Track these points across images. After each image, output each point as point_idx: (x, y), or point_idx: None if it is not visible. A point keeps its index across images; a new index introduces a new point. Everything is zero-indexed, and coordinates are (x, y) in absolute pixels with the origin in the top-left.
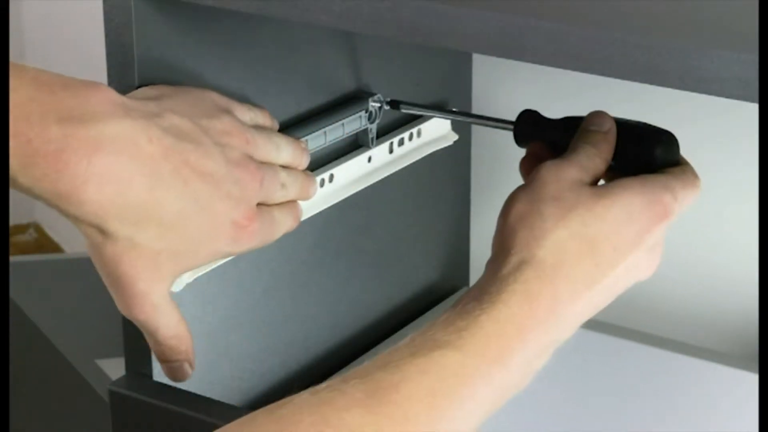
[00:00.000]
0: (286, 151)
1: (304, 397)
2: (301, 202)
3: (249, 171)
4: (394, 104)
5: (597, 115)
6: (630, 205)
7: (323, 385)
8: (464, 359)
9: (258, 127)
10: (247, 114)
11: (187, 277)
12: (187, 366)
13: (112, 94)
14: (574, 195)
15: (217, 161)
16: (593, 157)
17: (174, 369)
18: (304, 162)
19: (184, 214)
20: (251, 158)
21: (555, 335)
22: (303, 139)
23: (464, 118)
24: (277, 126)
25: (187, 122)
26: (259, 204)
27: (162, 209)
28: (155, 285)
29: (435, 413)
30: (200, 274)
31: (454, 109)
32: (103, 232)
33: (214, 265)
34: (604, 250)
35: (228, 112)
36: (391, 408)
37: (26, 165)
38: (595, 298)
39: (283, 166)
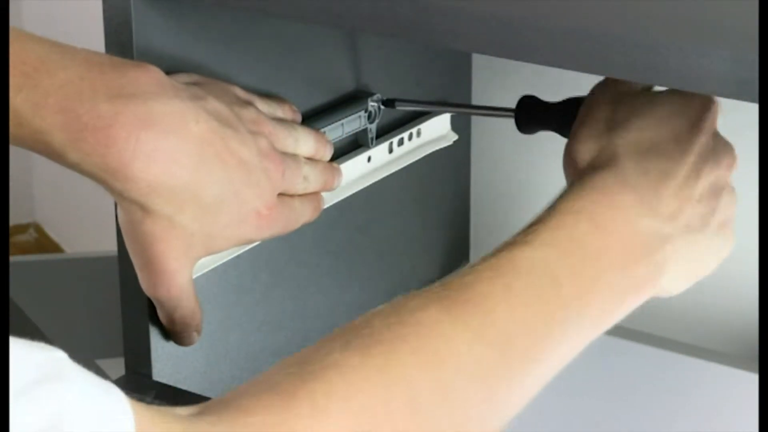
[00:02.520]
0: (308, 143)
1: (379, 307)
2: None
3: (274, 161)
4: (390, 103)
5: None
6: (672, 100)
7: (398, 296)
8: (533, 251)
9: (279, 120)
10: (267, 107)
11: (206, 264)
12: (195, 335)
13: (161, 75)
14: (617, 109)
15: (251, 149)
16: (622, 83)
17: (182, 338)
18: (327, 153)
19: (220, 198)
20: (275, 149)
21: (640, 221)
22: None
23: (463, 110)
24: (299, 118)
25: (226, 108)
26: (280, 194)
27: (202, 191)
28: (184, 266)
29: (513, 307)
30: (220, 262)
31: (451, 102)
32: (144, 209)
33: (232, 255)
34: (666, 145)
35: (251, 103)
36: (467, 306)
37: (75, 140)
38: (682, 189)
39: (307, 158)
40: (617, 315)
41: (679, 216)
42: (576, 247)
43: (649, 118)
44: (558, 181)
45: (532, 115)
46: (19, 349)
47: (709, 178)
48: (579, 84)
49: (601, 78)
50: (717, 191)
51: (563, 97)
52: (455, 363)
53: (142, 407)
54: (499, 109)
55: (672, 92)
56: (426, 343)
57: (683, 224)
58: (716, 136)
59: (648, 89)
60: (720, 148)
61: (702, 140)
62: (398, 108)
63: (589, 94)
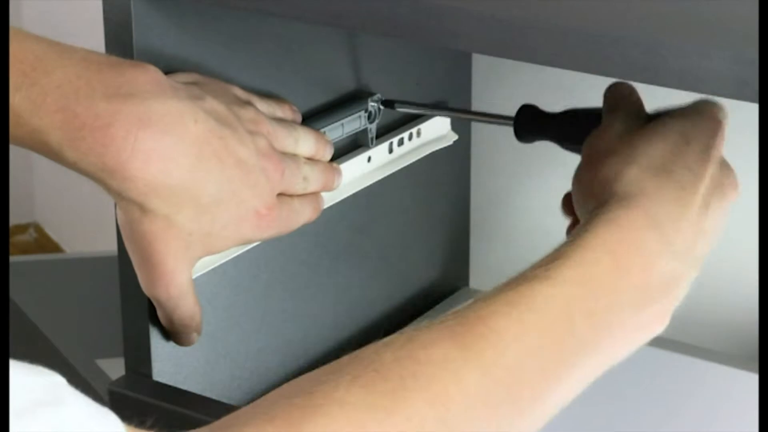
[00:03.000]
0: (307, 144)
1: (388, 338)
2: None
3: (273, 162)
4: (389, 104)
5: (612, 88)
6: (683, 126)
7: (409, 327)
8: (552, 288)
9: (278, 120)
10: (267, 107)
11: (206, 264)
12: (195, 335)
13: (159, 74)
14: (628, 138)
15: (250, 149)
16: (631, 111)
17: (182, 338)
18: (327, 154)
19: (218, 198)
20: (274, 149)
21: (660, 262)
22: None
23: (463, 115)
24: (299, 118)
25: (224, 108)
26: (280, 194)
27: (200, 191)
28: (183, 265)
29: (526, 345)
30: (220, 262)
31: (451, 107)
32: (143, 208)
33: (232, 255)
34: (680, 173)
35: (250, 103)
36: (479, 341)
37: (73, 139)
38: (696, 222)
39: (307, 159)
40: (626, 353)
41: (692, 251)
42: (595, 287)
43: (662, 143)
44: (557, 181)
45: (530, 124)
46: (17, 372)
47: (716, 212)
48: (579, 84)
49: (599, 78)
50: (720, 223)
51: (563, 97)
52: (464, 402)
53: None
54: (498, 116)
55: (681, 116)
56: (436, 381)
57: (692, 259)
58: (723, 164)
59: (656, 114)
60: (725, 179)
61: (712, 169)
62: (396, 108)
63: (603, 124)
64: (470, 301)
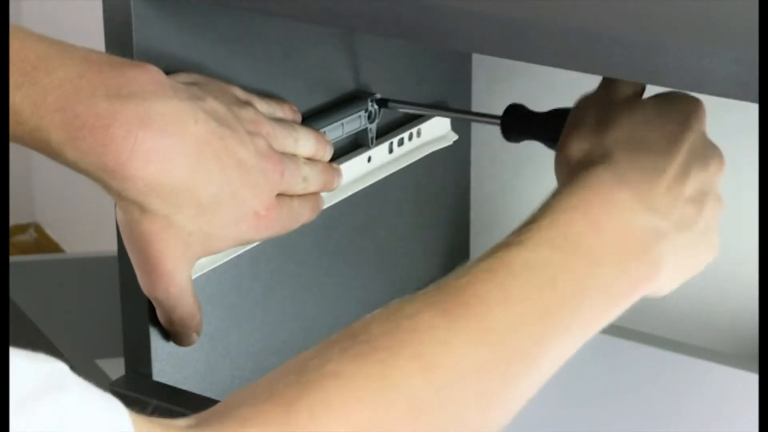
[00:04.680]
0: (307, 144)
1: (375, 312)
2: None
3: (272, 162)
4: (383, 103)
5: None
6: (660, 102)
7: (394, 300)
8: (530, 253)
9: (278, 120)
10: (267, 107)
11: (206, 264)
12: (194, 336)
13: (160, 75)
14: (604, 112)
15: (249, 150)
16: (617, 85)
17: (182, 338)
18: (327, 154)
19: (217, 198)
20: (274, 150)
21: (635, 218)
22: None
23: (452, 114)
24: (299, 118)
25: (224, 108)
26: (279, 194)
27: (200, 191)
28: (182, 265)
29: (511, 310)
30: (220, 262)
31: (442, 105)
32: (142, 208)
33: (232, 255)
34: (655, 141)
35: (250, 104)
36: (464, 308)
37: (73, 138)
38: (674, 184)
39: (307, 159)
40: (613, 313)
41: (672, 212)
42: (571, 246)
43: (638, 116)
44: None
45: (517, 123)
46: (20, 359)
47: (697, 178)
48: (579, 84)
49: (599, 78)
50: (704, 193)
51: (563, 97)
52: (453, 367)
53: (142, 419)
54: (486, 115)
55: (659, 96)
56: (423, 348)
57: (675, 220)
58: (705, 138)
59: (637, 95)
60: (708, 151)
61: (691, 138)
62: (390, 108)
63: (577, 101)
64: (451, 272)
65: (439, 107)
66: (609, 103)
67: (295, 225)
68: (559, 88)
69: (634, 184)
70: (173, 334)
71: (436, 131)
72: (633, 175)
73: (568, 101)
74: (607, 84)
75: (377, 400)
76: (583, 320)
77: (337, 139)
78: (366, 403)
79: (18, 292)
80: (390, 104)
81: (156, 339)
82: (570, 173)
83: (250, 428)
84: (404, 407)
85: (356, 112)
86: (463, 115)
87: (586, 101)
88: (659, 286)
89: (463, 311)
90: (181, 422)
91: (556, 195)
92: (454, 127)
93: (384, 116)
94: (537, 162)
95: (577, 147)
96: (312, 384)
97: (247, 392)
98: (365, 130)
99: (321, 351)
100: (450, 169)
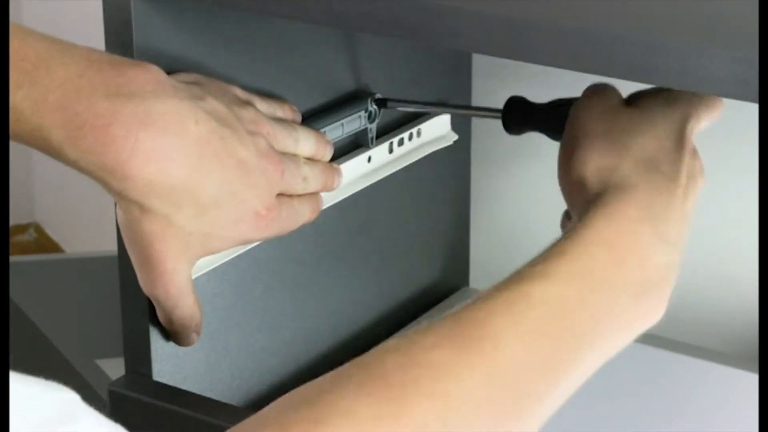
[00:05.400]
0: (307, 144)
1: (391, 342)
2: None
3: (272, 162)
4: (381, 102)
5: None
6: (661, 117)
7: (411, 329)
8: (551, 286)
9: (278, 120)
10: (267, 107)
11: (206, 264)
12: (194, 336)
13: (160, 74)
14: (613, 122)
15: (249, 150)
16: (608, 92)
17: (181, 338)
18: (327, 154)
19: (218, 198)
20: (274, 150)
21: (655, 252)
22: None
23: (451, 110)
24: (299, 118)
25: (224, 108)
26: (279, 194)
27: (200, 191)
28: (182, 265)
29: (526, 345)
30: (220, 262)
31: (443, 102)
32: (142, 208)
33: (232, 255)
34: (665, 164)
35: (250, 103)
36: (479, 343)
37: (74, 138)
38: (681, 211)
39: (307, 159)
40: (622, 345)
41: (681, 240)
42: (593, 282)
43: (647, 136)
44: (558, 181)
45: (519, 116)
46: (32, 388)
47: (693, 196)
48: (579, 84)
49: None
50: (693, 206)
51: (563, 96)
52: (466, 404)
53: None
54: (487, 109)
55: (654, 105)
56: (438, 385)
57: (681, 248)
58: (694, 153)
59: (631, 100)
60: (698, 166)
61: (686, 159)
62: (390, 107)
63: (573, 110)
64: (469, 300)
65: (439, 104)
66: (610, 115)
67: (295, 225)
68: (560, 88)
69: (655, 217)
70: (173, 334)
71: (436, 131)
72: (654, 206)
73: None
74: (595, 92)
75: None
76: (594, 354)
77: (337, 139)
78: None
79: (18, 292)
80: (389, 103)
81: (156, 339)
82: (591, 199)
83: None
84: None
85: (356, 112)
86: (462, 111)
87: (582, 113)
88: (659, 315)
89: (479, 347)
90: None
91: (580, 224)
92: (454, 127)
93: (384, 116)
94: (537, 162)
95: (593, 170)
96: (324, 421)
97: (258, 421)
98: (365, 130)
99: (335, 383)
100: (450, 169)
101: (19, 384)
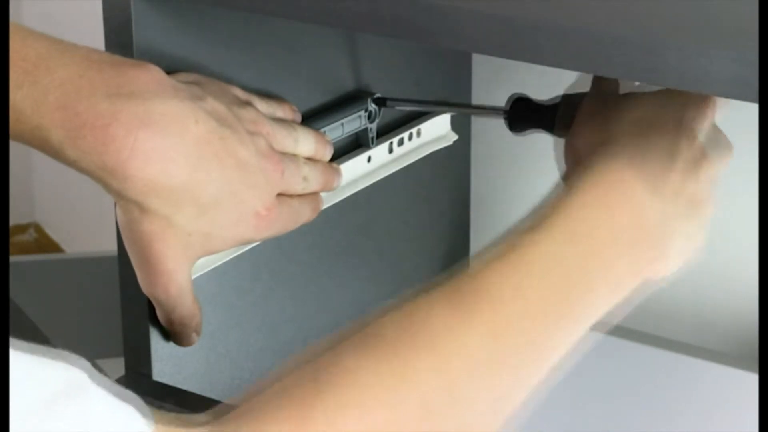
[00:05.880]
0: (307, 144)
1: (389, 304)
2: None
3: (272, 162)
4: (381, 101)
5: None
6: (670, 94)
7: (407, 293)
8: (546, 246)
9: (278, 120)
10: (267, 107)
11: (206, 264)
12: (194, 336)
13: (161, 74)
14: (614, 101)
15: (249, 150)
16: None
17: (181, 338)
18: (327, 154)
19: (218, 198)
20: (274, 149)
21: (646, 207)
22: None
23: (454, 109)
24: (299, 118)
25: (225, 109)
26: (279, 194)
27: (200, 191)
28: (182, 265)
29: (524, 305)
30: (220, 262)
31: (443, 101)
32: (142, 208)
33: (232, 255)
34: (668, 126)
35: (250, 104)
36: (477, 304)
37: (74, 138)
38: (684, 172)
39: (307, 159)
40: (620, 298)
41: (682, 194)
42: (587, 238)
43: (648, 102)
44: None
45: (522, 114)
46: (42, 361)
47: (712, 163)
48: (579, 84)
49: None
50: (712, 180)
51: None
52: (466, 362)
53: (163, 416)
54: (490, 108)
55: (657, 93)
56: (437, 343)
57: (685, 202)
58: (716, 127)
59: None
60: (723, 141)
61: (706, 125)
62: (389, 106)
63: (583, 103)
64: (465, 265)
65: (441, 103)
66: (611, 100)
67: (295, 225)
68: (560, 87)
69: (649, 173)
70: (173, 334)
71: (436, 131)
72: (648, 163)
73: None
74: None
75: (390, 398)
76: (592, 310)
77: (337, 139)
78: (380, 401)
79: (18, 292)
80: (389, 103)
81: (156, 339)
82: (581, 159)
83: (269, 429)
84: (417, 403)
85: (356, 112)
86: (465, 110)
87: (592, 99)
88: (664, 268)
89: (476, 306)
90: (201, 418)
91: (569, 184)
92: (454, 127)
93: (384, 116)
94: (537, 162)
95: (587, 134)
96: (326, 384)
97: (264, 398)
98: (365, 130)
99: (336, 347)
100: (450, 169)
101: (28, 357)
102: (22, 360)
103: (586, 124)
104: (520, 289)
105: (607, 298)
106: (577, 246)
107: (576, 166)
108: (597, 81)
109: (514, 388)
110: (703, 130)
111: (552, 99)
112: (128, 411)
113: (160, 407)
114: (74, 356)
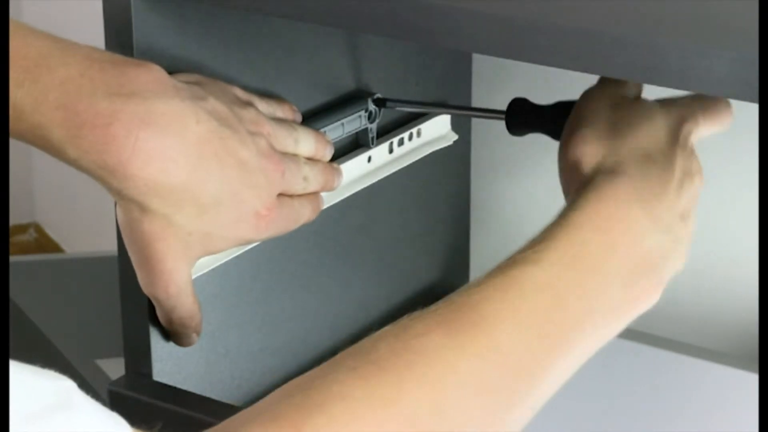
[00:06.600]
0: (307, 144)
1: (385, 329)
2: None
3: (273, 162)
4: (380, 102)
5: None
6: (660, 113)
7: (404, 317)
8: (542, 272)
9: (278, 120)
10: (267, 107)
11: (206, 264)
12: (194, 336)
13: (162, 74)
14: (611, 115)
15: (250, 150)
16: (622, 85)
17: (181, 338)
18: (328, 154)
19: (218, 198)
20: (274, 150)
21: (647, 237)
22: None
23: (453, 111)
24: (299, 118)
25: (225, 109)
26: (280, 194)
27: (200, 191)
28: (182, 265)
29: (519, 331)
30: (220, 262)
31: (444, 103)
32: (143, 208)
33: (232, 255)
34: (657, 155)
35: (250, 104)
36: (472, 329)
37: (74, 137)
38: (675, 200)
39: (307, 159)
40: (615, 330)
41: (672, 228)
42: (584, 265)
43: (645, 128)
44: (557, 181)
45: (522, 117)
46: (28, 376)
47: (688, 193)
48: (579, 84)
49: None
50: (690, 209)
51: (563, 97)
52: (459, 389)
53: None
54: (490, 111)
55: (656, 103)
56: (430, 370)
57: (674, 237)
58: (692, 152)
59: (638, 97)
60: (694, 166)
61: (679, 153)
62: (389, 107)
63: (584, 95)
64: (461, 287)
65: (440, 104)
66: (618, 105)
67: (295, 225)
68: (560, 88)
69: (647, 201)
70: (173, 334)
71: (436, 131)
72: (646, 190)
73: None
74: (611, 82)
75: (381, 424)
76: (587, 340)
77: (337, 139)
78: (369, 420)
79: (18, 292)
80: (389, 103)
81: (156, 339)
82: (585, 182)
83: None
84: (407, 424)
85: (356, 112)
86: (464, 112)
87: (591, 99)
88: (656, 295)
89: (471, 332)
90: None
91: (574, 207)
92: (454, 127)
93: (384, 116)
94: (537, 162)
95: (592, 151)
96: (318, 406)
97: (253, 412)
98: (365, 130)
99: (329, 370)
100: (450, 169)
101: (16, 371)
102: (13, 369)
103: (591, 132)
104: (514, 316)
105: (601, 328)
106: (573, 273)
107: (576, 175)
108: (601, 81)
109: (508, 412)
110: (683, 160)
111: (553, 103)
112: (117, 420)
113: (160, 408)
114: (59, 374)
